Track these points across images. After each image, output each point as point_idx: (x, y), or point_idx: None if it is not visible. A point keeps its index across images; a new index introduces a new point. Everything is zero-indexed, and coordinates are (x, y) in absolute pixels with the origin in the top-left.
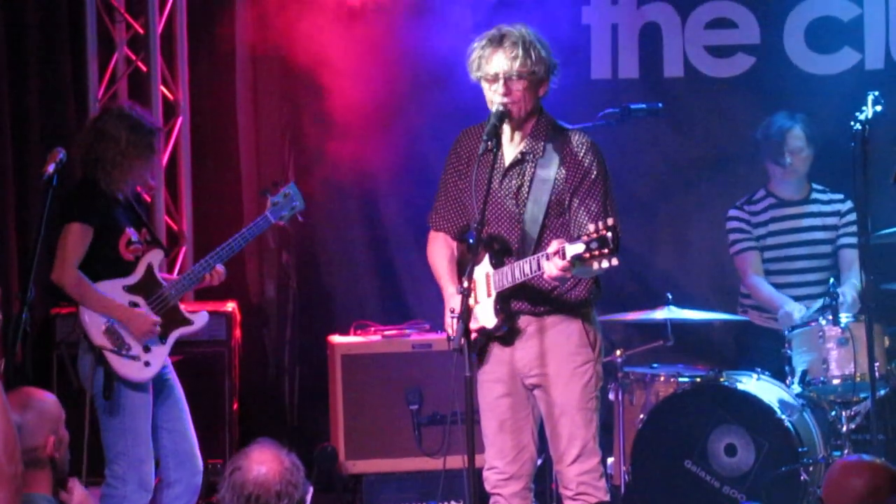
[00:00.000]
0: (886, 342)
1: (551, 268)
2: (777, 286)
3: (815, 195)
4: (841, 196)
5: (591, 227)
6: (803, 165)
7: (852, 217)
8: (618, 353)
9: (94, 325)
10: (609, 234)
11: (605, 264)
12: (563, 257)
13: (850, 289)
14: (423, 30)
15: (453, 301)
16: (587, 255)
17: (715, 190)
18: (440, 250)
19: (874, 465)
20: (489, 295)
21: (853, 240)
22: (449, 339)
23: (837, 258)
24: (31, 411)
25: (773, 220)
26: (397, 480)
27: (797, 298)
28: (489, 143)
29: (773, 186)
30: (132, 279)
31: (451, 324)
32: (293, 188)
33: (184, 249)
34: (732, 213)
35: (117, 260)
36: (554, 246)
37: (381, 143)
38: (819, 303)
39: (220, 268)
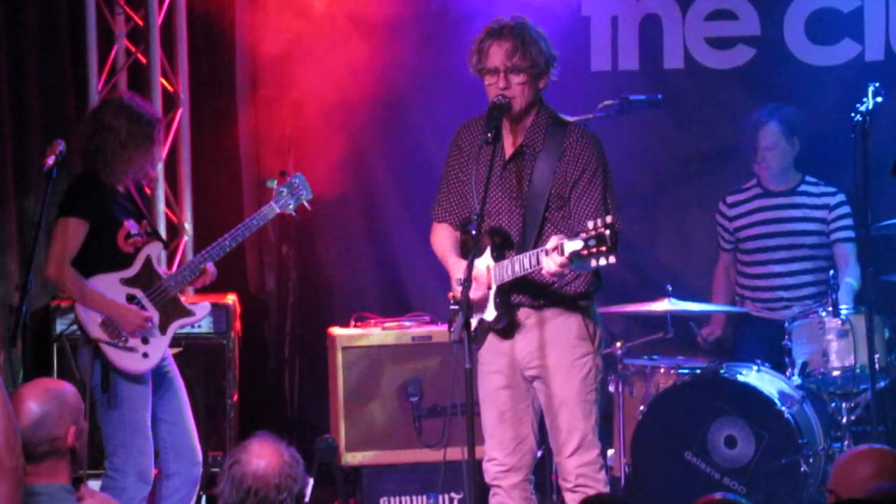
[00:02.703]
0: (886, 334)
1: (550, 264)
2: (761, 276)
3: (803, 187)
4: (833, 189)
5: (590, 225)
6: (778, 161)
7: (843, 210)
8: (618, 344)
9: (90, 318)
10: (607, 232)
11: (602, 262)
12: (562, 254)
13: (845, 293)
14: (421, 23)
15: (460, 266)
16: (585, 251)
17: (715, 182)
18: (443, 234)
19: (883, 451)
20: (489, 287)
21: (847, 234)
22: (450, 329)
23: (833, 253)
24: (52, 401)
25: (758, 211)
26: (397, 472)
27: (781, 289)
28: (489, 135)
29: (761, 177)
30: (130, 271)
31: (458, 291)
32: (300, 178)
33: (184, 241)
34: (719, 206)
35: (115, 253)
36: (553, 242)
37: (381, 135)
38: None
39: (210, 267)
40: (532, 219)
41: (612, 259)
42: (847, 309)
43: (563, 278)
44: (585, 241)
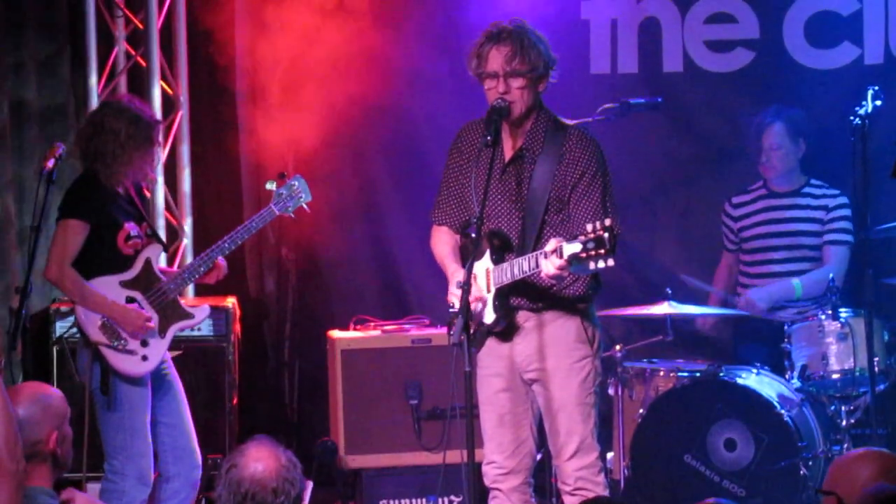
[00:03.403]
0: (886, 337)
1: (549, 266)
2: (761, 276)
3: (807, 189)
4: (836, 192)
5: (589, 227)
6: (783, 162)
7: (840, 213)
8: (617, 347)
9: (90, 320)
10: (605, 235)
11: (601, 264)
12: (560, 256)
13: (808, 277)
14: (421, 27)
15: (459, 275)
16: (584, 254)
17: (714, 185)
18: (443, 239)
19: (883, 454)
20: (488, 290)
21: (838, 237)
22: (449, 332)
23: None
24: (36, 405)
25: (762, 211)
26: (397, 475)
27: None
28: (488, 138)
29: (767, 178)
30: (129, 274)
31: (457, 294)
32: (300, 180)
33: (183, 244)
34: (724, 206)
35: (115, 255)
36: (552, 244)
37: (380, 137)
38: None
39: (221, 261)
40: (531, 222)
41: (610, 262)
42: (846, 312)
43: (562, 281)
44: (584, 243)
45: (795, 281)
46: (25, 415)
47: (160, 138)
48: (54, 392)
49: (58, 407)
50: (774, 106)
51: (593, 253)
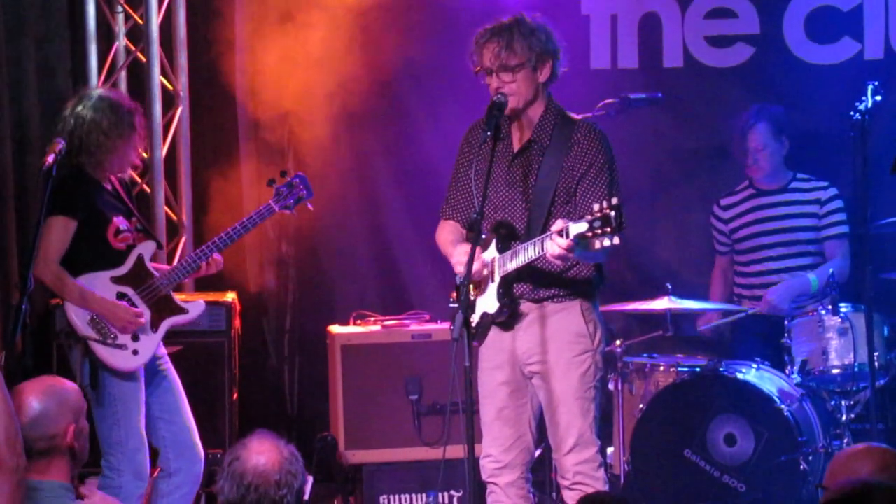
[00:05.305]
0: (886, 332)
1: (554, 247)
2: (758, 274)
3: (795, 184)
4: (825, 183)
5: (595, 207)
6: (769, 161)
7: (836, 205)
8: (617, 342)
9: (79, 315)
10: (612, 213)
11: (606, 243)
12: (567, 236)
13: (820, 271)
14: (423, 24)
15: (461, 251)
16: (590, 233)
17: (714, 180)
18: (449, 231)
19: (882, 450)
20: (493, 280)
21: (837, 230)
22: (451, 327)
23: (824, 250)
24: (54, 398)
25: (751, 210)
26: (397, 470)
27: None
28: (488, 133)
29: (754, 178)
30: (121, 270)
31: (462, 262)
32: (301, 178)
33: (183, 240)
34: (713, 209)
35: (106, 250)
36: (558, 225)
37: (381, 132)
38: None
39: (217, 257)
40: (538, 213)
41: (615, 240)
42: (846, 307)
43: (568, 270)
44: (590, 223)
45: (811, 275)
46: (42, 409)
47: (142, 124)
48: (70, 386)
49: (74, 400)
50: (756, 106)
51: (599, 231)
